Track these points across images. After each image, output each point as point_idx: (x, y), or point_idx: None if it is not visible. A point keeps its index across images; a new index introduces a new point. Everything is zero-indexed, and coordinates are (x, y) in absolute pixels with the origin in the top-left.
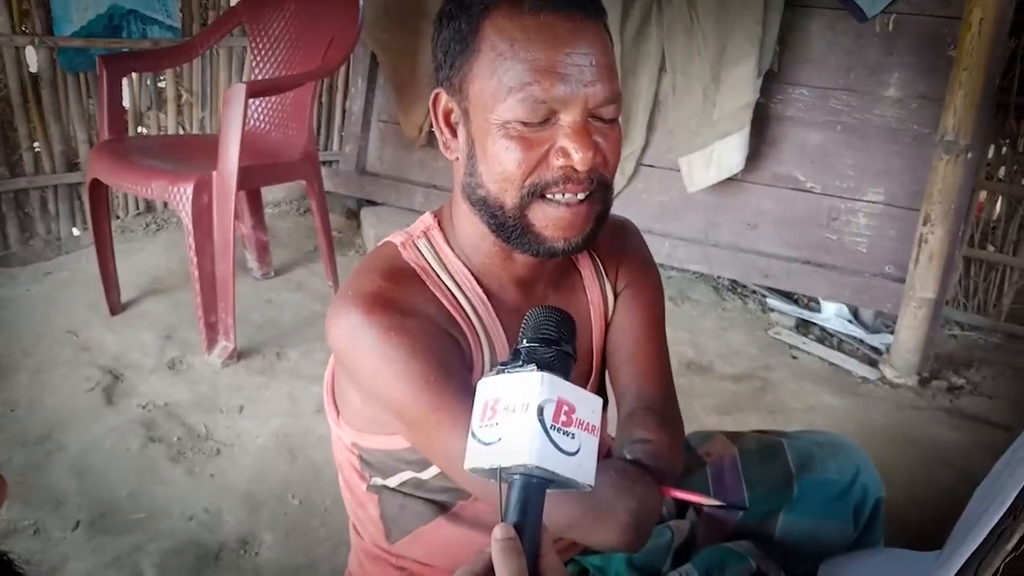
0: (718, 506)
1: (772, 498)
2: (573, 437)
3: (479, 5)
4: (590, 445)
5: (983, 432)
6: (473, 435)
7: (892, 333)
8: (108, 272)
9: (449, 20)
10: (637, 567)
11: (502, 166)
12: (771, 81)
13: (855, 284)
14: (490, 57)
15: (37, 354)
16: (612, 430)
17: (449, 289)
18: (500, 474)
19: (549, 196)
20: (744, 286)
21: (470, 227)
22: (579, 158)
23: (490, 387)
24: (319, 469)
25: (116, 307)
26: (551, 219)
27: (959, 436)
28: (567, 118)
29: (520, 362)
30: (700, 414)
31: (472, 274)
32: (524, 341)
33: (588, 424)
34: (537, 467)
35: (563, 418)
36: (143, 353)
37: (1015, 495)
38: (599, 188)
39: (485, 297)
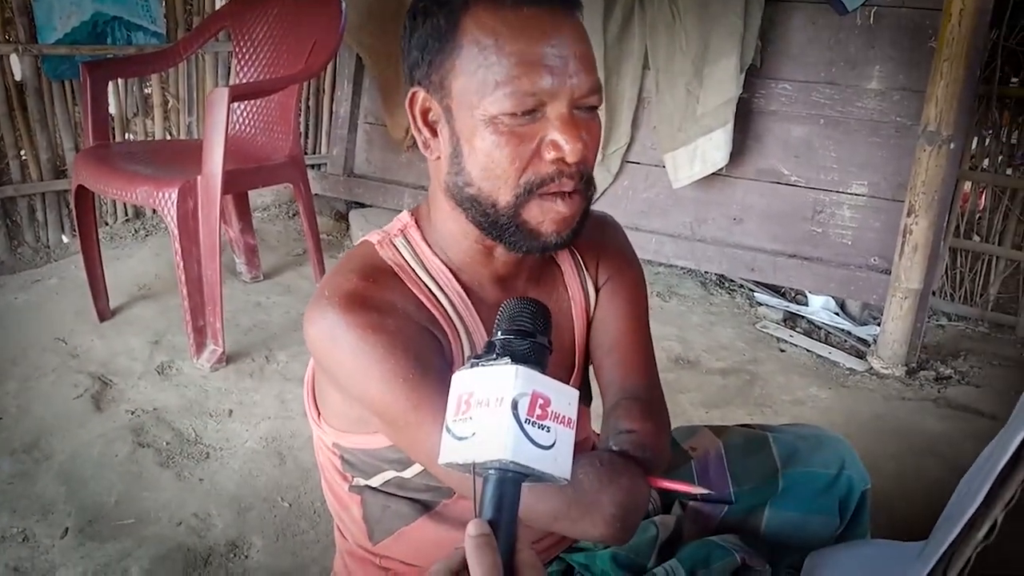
0: (705, 495)
1: (758, 492)
2: (548, 431)
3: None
4: (566, 438)
5: (971, 421)
6: (447, 430)
7: (879, 325)
8: (96, 278)
9: (425, 16)
10: (622, 564)
11: (495, 163)
12: (753, 76)
13: (841, 276)
14: (473, 52)
15: (25, 362)
16: (598, 426)
17: (427, 286)
18: (474, 469)
19: (543, 192)
20: (731, 281)
21: (451, 224)
22: (569, 149)
23: (464, 381)
24: (308, 471)
25: (105, 313)
26: (548, 215)
27: (947, 426)
28: (554, 111)
29: (494, 355)
30: (688, 409)
31: (451, 271)
32: (499, 333)
33: (564, 417)
34: (512, 462)
35: (538, 412)
36: (132, 359)
37: (989, 486)
38: (585, 182)
39: (464, 294)
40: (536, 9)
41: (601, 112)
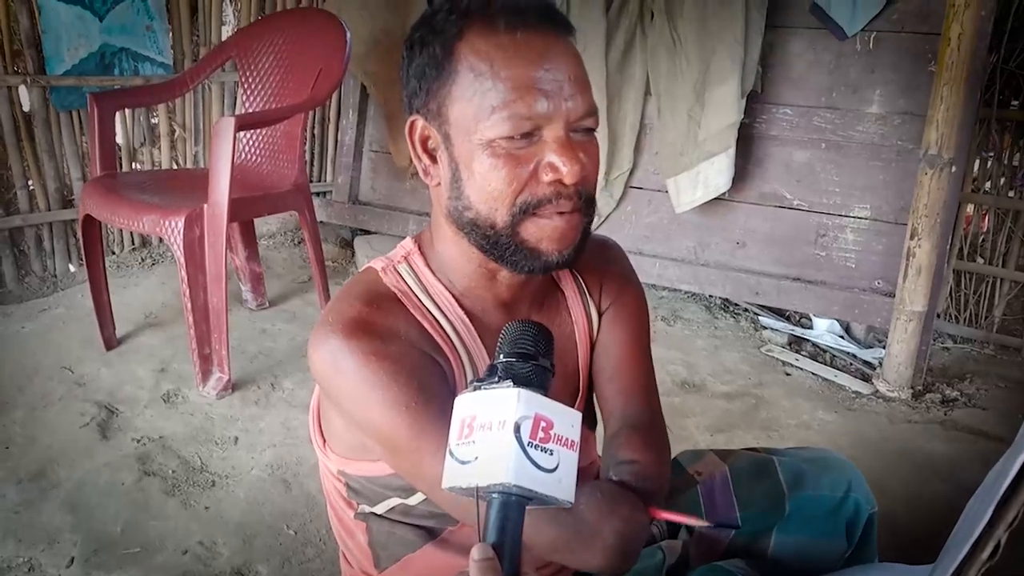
0: (707, 526)
1: (764, 516)
2: (551, 453)
3: (453, 28)
4: (569, 461)
5: (977, 444)
6: (450, 454)
7: (884, 347)
8: (102, 307)
9: (422, 46)
10: None
11: (491, 184)
12: (755, 101)
13: (845, 300)
14: (469, 78)
15: (32, 391)
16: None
17: (431, 312)
18: (478, 493)
19: (539, 212)
20: (736, 305)
21: (454, 249)
22: (567, 171)
23: (466, 404)
24: (314, 498)
25: (111, 342)
26: (545, 232)
27: (953, 448)
28: (551, 133)
29: (496, 378)
30: (694, 433)
31: (454, 297)
32: (501, 356)
33: (567, 439)
34: (515, 485)
35: (541, 434)
36: (138, 387)
37: (992, 508)
38: (585, 202)
39: (468, 320)
40: (529, 33)
41: (603, 137)
